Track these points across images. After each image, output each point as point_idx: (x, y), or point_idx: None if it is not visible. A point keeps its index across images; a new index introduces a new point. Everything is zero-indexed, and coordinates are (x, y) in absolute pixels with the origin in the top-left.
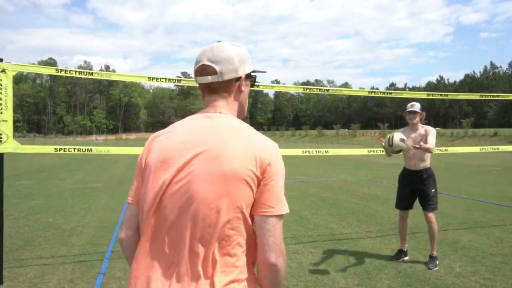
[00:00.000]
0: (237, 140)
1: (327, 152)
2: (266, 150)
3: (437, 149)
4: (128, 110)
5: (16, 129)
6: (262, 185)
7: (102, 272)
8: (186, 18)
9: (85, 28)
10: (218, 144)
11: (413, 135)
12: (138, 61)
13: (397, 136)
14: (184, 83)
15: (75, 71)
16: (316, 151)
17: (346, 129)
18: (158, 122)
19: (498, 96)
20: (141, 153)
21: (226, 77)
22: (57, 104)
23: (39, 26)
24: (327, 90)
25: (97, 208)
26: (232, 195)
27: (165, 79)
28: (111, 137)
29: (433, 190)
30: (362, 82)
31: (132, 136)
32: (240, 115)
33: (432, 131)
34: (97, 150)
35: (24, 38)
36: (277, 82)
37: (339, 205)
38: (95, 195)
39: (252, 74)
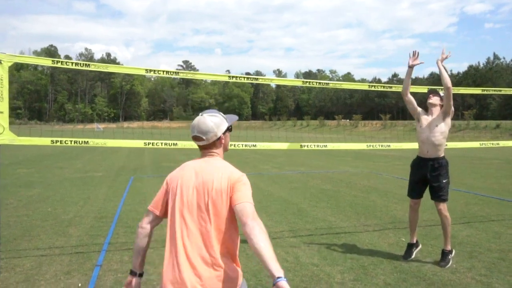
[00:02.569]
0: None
1: (326, 146)
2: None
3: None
4: (129, 98)
5: (17, 116)
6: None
7: (99, 264)
8: (189, 6)
9: (87, 15)
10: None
11: (429, 122)
12: (140, 48)
13: None
14: (182, 75)
15: (72, 63)
16: (314, 145)
17: (348, 120)
18: (160, 111)
19: (500, 90)
20: (165, 183)
21: (211, 140)
22: (58, 91)
23: (42, 13)
24: (327, 84)
25: (96, 198)
26: None
27: (163, 71)
28: (112, 125)
29: (444, 181)
30: (365, 72)
31: (134, 124)
32: (224, 151)
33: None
34: (93, 142)
35: (27, 25)
36: (279, 71)
37: (338, 198)
38: (95, 184)
39: (228, 127)
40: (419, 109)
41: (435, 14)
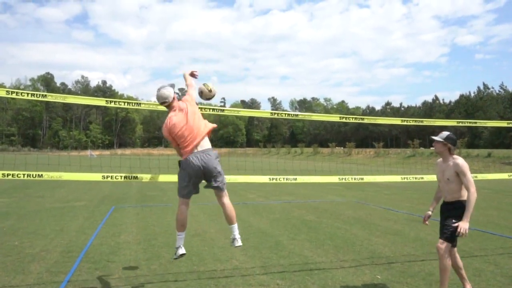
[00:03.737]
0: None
1: (296, 179)
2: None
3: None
4: (124, 125)
5: (11, 143)
6: None
7: None
8: (186, 35)
9: (86, 44)
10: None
11: (443, 169)
12: (137, 76)
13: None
14: (144, 106)
15: (27, 93)
16: (283, 178)
17: (342, 148)
18: (154, 138)
19: (475, 122)
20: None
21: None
22: (53, 118)
23: (41, 41)
24: (296, 115)
25: (69, 230)
26: None
27: (124, 101)
28: (106, 152)
29: (453, 221)
30: (359, 101)
31: (127, 151)
32: None
33: (463, 168)
34: (48, 176)
35: (25, 53)
36: (274, 99)
37: (319, 230)
38: (73, 215)
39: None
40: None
41: (427, 45)
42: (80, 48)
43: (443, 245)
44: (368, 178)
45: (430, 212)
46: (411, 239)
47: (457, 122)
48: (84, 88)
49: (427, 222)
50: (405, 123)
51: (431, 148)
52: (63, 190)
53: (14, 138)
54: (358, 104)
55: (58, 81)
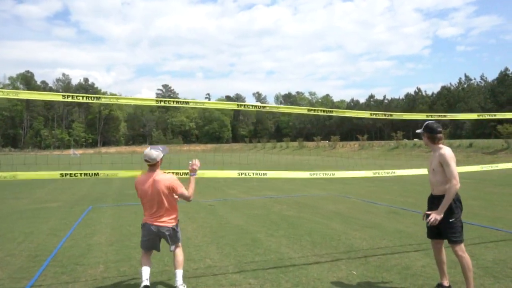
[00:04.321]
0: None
1: (265, 174)
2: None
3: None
4: (107, 123)
5: None
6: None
7: None
8: (171, 31)
9: (68, 41)
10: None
11: (431, 160)
12: (121, 73)
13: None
14: (104, 100)
15: None
16: (253, 173)
17: (327, 141)
18: (139, 136)
19: (445, 116)
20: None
21: (155, 162)
22: (34, 117)
23: (21, 39)
24: (264, 107)
25: (39, 233)
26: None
27: (82, 96)
28: (90, 150)
29: (450, 220)
30: (344, 94)
31: (112, 149)
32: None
33: (446, 157)
34: (1, 176)
35: (5, 51)
36: (259, 94)
37: (298, 225)
38: (46, 216)
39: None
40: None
41: (410, 37)
42: (62, 46)
43: (457, 247)
44: (339, 174)
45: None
46: (390, 232)
47: (426, 115)
48: (66, 86)
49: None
50: (374, 116)
51: (415, 139)
52: (41, 190)
53: None
54: (343, 98)
55: (38, 80)
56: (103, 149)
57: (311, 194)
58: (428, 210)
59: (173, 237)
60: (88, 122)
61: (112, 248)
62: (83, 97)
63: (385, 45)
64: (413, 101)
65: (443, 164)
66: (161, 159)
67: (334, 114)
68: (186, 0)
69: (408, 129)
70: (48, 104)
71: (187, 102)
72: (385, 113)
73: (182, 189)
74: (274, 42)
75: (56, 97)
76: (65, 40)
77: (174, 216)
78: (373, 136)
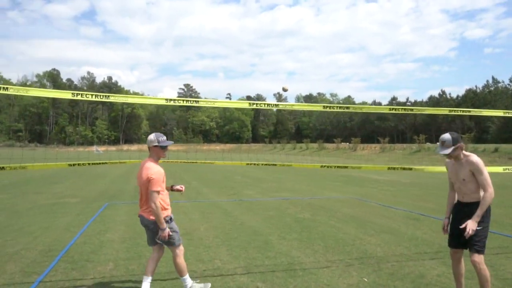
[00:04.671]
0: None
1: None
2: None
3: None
4: (130, 121)
5: (17, 138)
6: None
7: None
8: (194, 31)
9: (94, 40)
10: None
11: (456, 170)
12: (145, 72)
13: None
14: (113, 99)
15: None
16: (262, 163)
17: (347, 143)
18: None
19: (469, 111)
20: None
21: (149, 147)
22: (60, 114)
23: (49, 37)
24: (277, 105)
25: (55, 228)
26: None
27: (92, 94)
28: (112, 148)
29: (478, 228)
30: (366, 96)
31: (134, 147)
32: (154, 157)
33: (478, 165)
34: (9, 167)
35: (34, 50)
36: (279, 95)
37: (312, 228)
38: (64, 211)
39: (158, 144)
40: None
41: (436, 39)
42: (88, 44)
43: (478, 258)
44: (352, 168)
45: (447, 220)
46: (406, 238)
47: (449, 110)
48: (90, 84)
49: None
50: (393, 111)
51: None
52: (62, 185)
53: (21, 134)
54: (365, 99)
55: (64, 77)
56: (125, 147)
57: (327, 196)
58: (455, 218)
59: (156, 233)
60: (111, 119)
61: (123, 245)
62: (92, 95)
63: (410, 46)
64: (437, 104)
65: (475, 172)
66: (156, 148)
67: (351, 110)
68: (209, 0)
69: (430, 133)
70: (73, 102)
71: (197, 101)
72: (405, 107)
73: (152, 189)
74: (296, 42)
75: (66, 94)
76: (91, 39)
77: None
78: (395, 139)
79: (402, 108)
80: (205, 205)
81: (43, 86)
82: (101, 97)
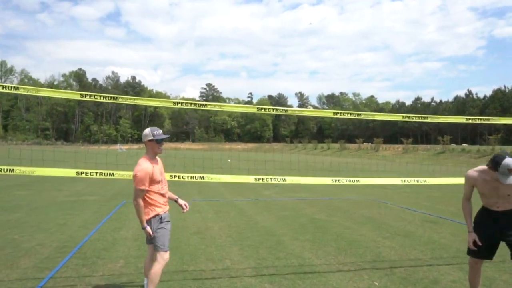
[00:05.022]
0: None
1: (284, 180)
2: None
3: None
4: (153, 120)
5: (45, 136)
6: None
7: None
8: (215, 31)
9: (118, 41)
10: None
11: (497, 186)
12: (167, 72)
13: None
14: (121, 100)
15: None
16: (271, 178)
17: (369, 143)
18: (182, 133)
19: (488, 119)
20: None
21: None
22: (85, 113)
23: (75, 38)
24: (286, 110)
25: (72, 225)
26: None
27: (100, 95)
28: (135, 146)
29: None
30: (389, 96)
31: None
32: (150, 152)
33: None
34: (20, 170)
35: (61, 50)
36: (301, 94)
37: (326, 229)
38: (82, 209)
39: (153, 137)
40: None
41: (463, 38)
42: (112, 45)
43: None
44: (364, 181)
45: (474, 234)
46: (423, 242)
47: (466, 119)
48: (115, 84)
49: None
50: (406, 119)
51: (463, 144)
52: (81, 183)
53: (49, 132)
54: (389, 99)
55: (90, 77)
56: None
57: (345, 197)
58: (489, 228)
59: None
60: (134, 118)
61: (136, 243)
62: (100, 96)
63: (436, 45)
64: (463, 104)
65: None
66: (152, 143)
67: (363, 117)
68: (231, 0)
69: (456, 134)
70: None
71: (204, 105)
72: (419, 115)
73: (135, 187)
74: (319, 42)
75: (75, 95)
76: (116, 40)
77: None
78: (418, 140)
79: (416, 116)
80: (221, 204)
81: (69, 85)
82: (109, 98)
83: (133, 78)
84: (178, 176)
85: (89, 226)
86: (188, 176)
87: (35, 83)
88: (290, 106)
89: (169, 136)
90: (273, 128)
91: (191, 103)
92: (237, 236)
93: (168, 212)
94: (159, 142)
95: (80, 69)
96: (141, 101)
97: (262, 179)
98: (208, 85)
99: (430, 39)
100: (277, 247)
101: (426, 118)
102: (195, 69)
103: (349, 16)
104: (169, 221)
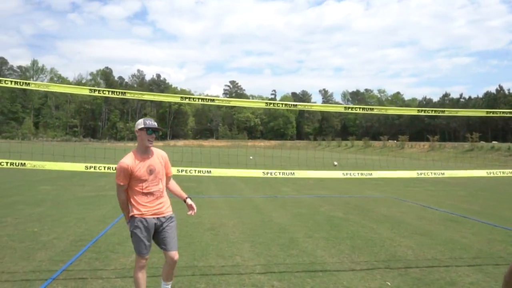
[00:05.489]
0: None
1: (293, 174)
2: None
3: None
4: (177, 117)
5: (73, 133)
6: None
7: None
8: (240, 29)
9: (145, 39)
10: None
11: None
12: (193, 70)
13: None
14: (129, 96)
15: (11, 81)
16: (279, 172)
17: (394, 141)
18: (206, 130)
19: (510, 112)
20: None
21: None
22: (112, 111)
23: (103, 37)
24: (295, 105)
25: (90, 219)
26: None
27: (108, 90)
28: (160, 143)
29: None
30: (416, 92)
31: (180, 142)
32: (140, 145)
33: None
34: (31, 165)
35: (90, 49)
36: (325, 91)
37: (342, 227)
38: (101, 203)
39: (142, 127)
40: None
41: (494, 31)
42: (139, 43)
43: None
44: (377, 174)
45: None
46: (442, 241)
47: (487, 112)
48: (140, 82)
49: None
50: (422, 113)
51: (493, 142)
52: (105, 179)
53: (77, 130)
54: (415, 95)
55: (116, 75)
56: (172, 142)
57: (365, 195)
58: None
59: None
60: (159, 116)
61: None
62: (108, 91)
63: (465, 40)
64: (494, 100)
65: None
66: (142, 132)
67: (375, 112)
68: None
69: (486, 131)
70: (124, 99)
71: (213, 100)
72: (434, 109)
73: (115, 179)
74: (343, 38)
75: (84, 91)
76: (142, 38)
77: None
78: (446, 137)
79: (432, 110)
80: (238, 200)
81: (97, 84)
82: (117, 93)
83: (158, 76)
84: (185, 171)
85: (106, 220)
86: (195, 171)
87: (63, 81)
88: (314, 103)
89: (162, 129)
90: (296, 125)
91: (199, 98)
92: (250, 233)
93: (167, 216)
94: (150, 133)
95: (107, 68)
96: (148, 96)
97: (270, 173)
98: (232, 82)
99: (460, 33)
100: (289, 245)
101: (443, 112)
102: (219, 67)
103: (375, 11)
104: (149, 229)
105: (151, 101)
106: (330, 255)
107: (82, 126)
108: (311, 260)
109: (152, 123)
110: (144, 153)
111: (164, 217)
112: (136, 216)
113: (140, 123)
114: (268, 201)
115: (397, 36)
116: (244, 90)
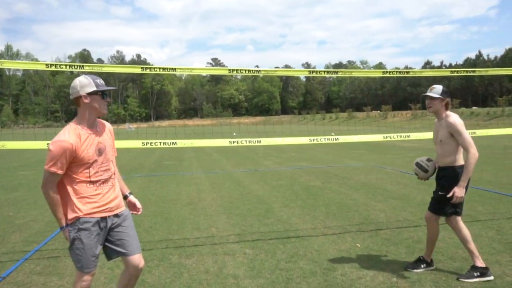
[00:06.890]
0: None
1: (259, 142)
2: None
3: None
4: (160, 98)
5: (55, 119)
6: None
7: (2, 276)
8: (221, 5)
9: (124, 19)
10: None
11: (437, 130)
12: (175, 49)
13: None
14: (179, 71)
15: (66, 65)
16: (245, 141)
17: (378, 111)
18: (190, 109)
19: (474, 71)
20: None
21: (72, 97)
22: None
23: (81, 19)
24: (258, 71)
25: None
26: None
27: (159, 68)
28: (144, 124)
29: (440, 193)
30: (398, 62)
31: (164, 123)
32: (91, 116)
33: (456, 126)
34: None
35: (67, 32)
36: (308, 65)
37: (319, 196)
38: None
39: (95, 89)
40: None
41: None
42: (118, 24)
43: (429, 215)
44: (343, 138)
45: None
46: (414, 204)
47: (451, 71)
48: (120, 63)
49: None
50: (386, 75)
51: (473, 107)
52: None
53: (58, 114)
54: (398, 65)
55: (95, 58)
56: (156, 123)
57: (345, 164)
58: (437, 184)
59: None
60: (141, 97)
61: None
62: (66, 65)
63: (447, 8)
64: (473, 66)
65: (453, 133)
66: (92, 99)
67: (340, 75)
68: None
69: (466, 97)
70: (105, 80)
71: (174, 69)
72: (400, 70)
73: (44, 167)
74: (325, 10)
75: (40, 66)
76: (121, 18)
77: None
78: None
79: (396, 71)
80: (218, 175)
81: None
82: (75, 67)
83: (138, 56)
84: (151, 143)
85: None
86: (160, 143)
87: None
88: (298, 77)
89: (115, 88)
90: (281, 100)
91: (159, 68)
92: (228, 205)
93: (123, 211)
94: (105, 96)
95: (84, 50)
96: (107, 68)
97: (237, 141)
98: (214, 59)
99: (441, 1)
100: (265, 215)
101: (408, 73)
102: (202, 45)
103: None
104: (100, 232)
105: (133, 83)
106: (304, 222)
107: (63, 111)
108: (285, 227)
109: (102, 83)
110: (91, 126)
111: (121, 213)
112: (81, 217)
113: (88, 84)
114: (248, 175)
115: (378, 6)
116: (227, 67)
